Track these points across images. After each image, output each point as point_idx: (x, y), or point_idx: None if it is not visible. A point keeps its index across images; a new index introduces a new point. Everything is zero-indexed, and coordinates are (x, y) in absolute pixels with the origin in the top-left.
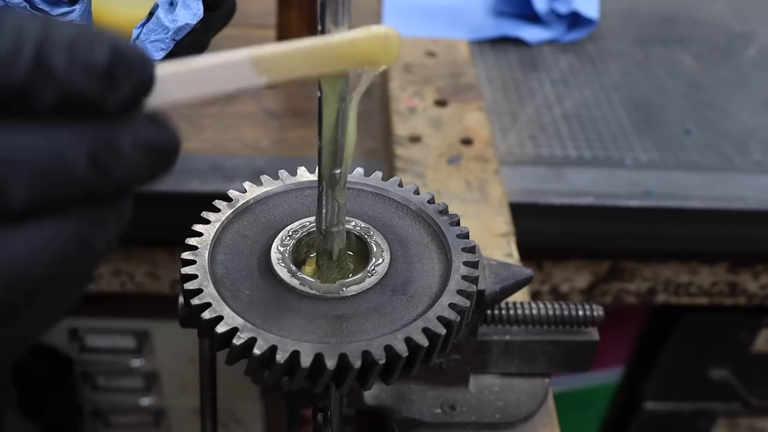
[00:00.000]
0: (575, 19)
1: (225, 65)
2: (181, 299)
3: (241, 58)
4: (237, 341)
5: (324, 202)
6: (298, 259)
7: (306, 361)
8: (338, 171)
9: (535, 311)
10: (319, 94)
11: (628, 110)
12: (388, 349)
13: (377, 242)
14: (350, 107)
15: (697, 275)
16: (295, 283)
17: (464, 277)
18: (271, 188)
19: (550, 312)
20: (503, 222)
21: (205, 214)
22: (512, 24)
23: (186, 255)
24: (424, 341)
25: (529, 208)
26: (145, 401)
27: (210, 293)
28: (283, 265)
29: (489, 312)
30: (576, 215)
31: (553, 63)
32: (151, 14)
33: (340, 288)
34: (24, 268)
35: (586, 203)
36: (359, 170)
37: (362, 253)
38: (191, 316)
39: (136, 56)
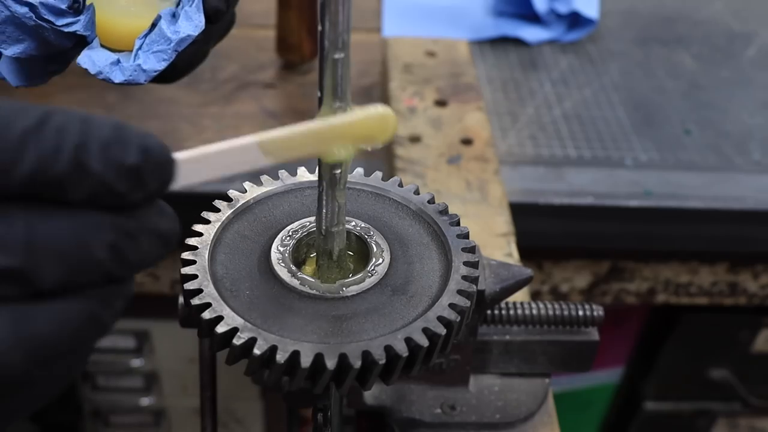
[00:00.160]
0: (575, 19)
1: (235, 150)
2: (181, 299)
3: (249, 144)
4: (237, 341)
5: (324, 202)
6: (298, 259)
7: (306, 361)
8: (338, 171)
9: (535, 311)
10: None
11: (628, 110)
12: (388, 349)
13: (377, 242)
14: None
15: (697, 275)
16: (295, 283)
17: (464, 277)
18: (271, 188)
19: (550, 312)
20: (503, 222)
21: (205, 214)
22: (512, 24)
23: (186, 255)
24: (424, 341)
25: (529, 208)
26: (145, 401)
27: (210, 293)
28: (283, 265)
29: (489, 312)
30: (576, 215)
31: (553, 63)
32: (153, 25)
33: (340, 288)
34: (45, 341)
35: (586, 203)
36: (359, 170)
37: (362, 253)
38: (191, 316)
39: (163, 155)
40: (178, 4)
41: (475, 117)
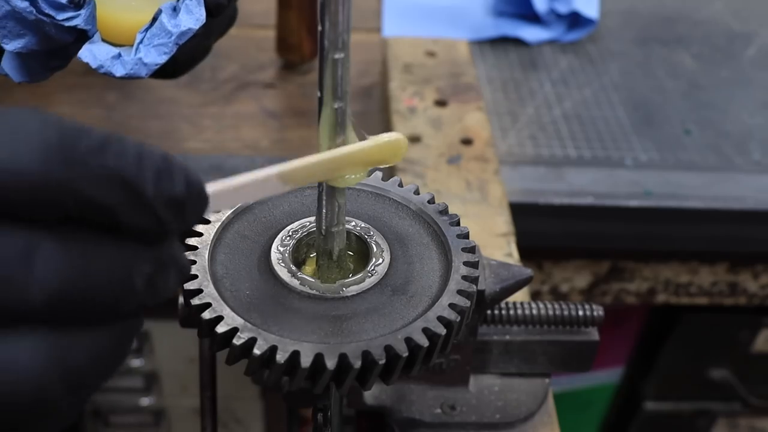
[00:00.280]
0: (575, 19)
1: (257, 182)
2: (181, 299)
3: (270, 175)
4: (237, 341)
5: (324, 202)
6: (298, 259)
7: (306, 361)
8: None
9: (535, 311)
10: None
11: (628, 110)
12: (388, 349)
13: (377, 242)
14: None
15: (697, 275)
16: (295, 283)
17: (464, 277)
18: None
19: (550, 312)
20: (503, 222)
21: (205, 214)
22: (512, 24)
23: (186, 255)
24: (424, 341)
25: (529, 208)
26: (145, 401)
27: (210, 293)
28: (283, 265)
29: (489, 312)
30: (576, 215)
31: (553, 63)
32: (154, 19)
33: (340, 288)
34: (82, 368)
35: (586, 203)
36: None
37: (362, 253)
38: (191, 316)
39: (202, 188)
40: None
41: (475, 117)
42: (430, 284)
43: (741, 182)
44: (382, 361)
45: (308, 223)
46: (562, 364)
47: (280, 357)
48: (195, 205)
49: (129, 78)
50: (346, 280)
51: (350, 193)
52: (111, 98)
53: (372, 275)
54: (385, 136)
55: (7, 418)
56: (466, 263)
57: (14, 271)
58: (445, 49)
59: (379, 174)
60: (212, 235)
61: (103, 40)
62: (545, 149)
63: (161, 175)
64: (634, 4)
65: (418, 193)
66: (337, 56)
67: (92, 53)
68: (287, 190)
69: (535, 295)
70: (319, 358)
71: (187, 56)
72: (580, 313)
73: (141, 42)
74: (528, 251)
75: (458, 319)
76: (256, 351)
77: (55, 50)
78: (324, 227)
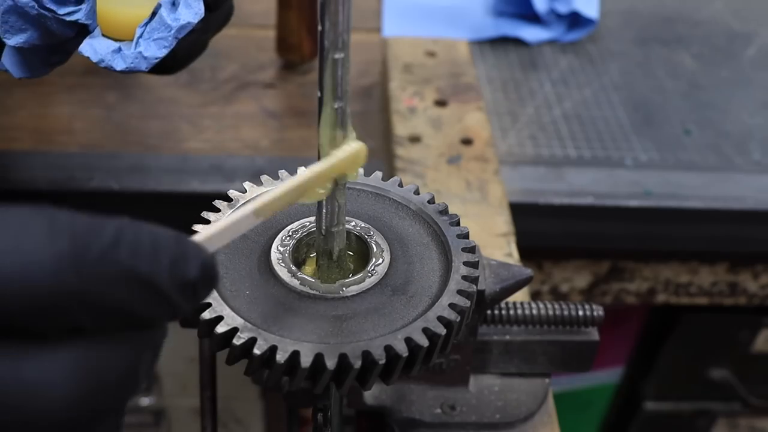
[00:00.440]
0: (575, 19)
1: (236, 222)
2: None
3: (247, 213)
4: (237, 341)
5: (324, 202)
6: (298, 259)
7: (306, 361)
8: None
9: (535, 311)
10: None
11: (628, 110)
12: (388, 349)
13: (377, 242)
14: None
15: (697, 275)
16: (295, 283)
17: (464, 277)
18: (270, 188)
19: (550, 312)
20: (503, 222)
21: (205, 214)
22: (512, 24)
23: None
24: (424, 341)
25: (529, 208)
26: (145, 401)
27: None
28: (283, 265)
29: (489, 312)
30: (576, 215)
31: (553, 63)
32: (154, 14)
33: (340, 288)
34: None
35: (586, 203)
36: (359, 170)
37: (362, 253)
38: (191, 316)
39: (214, 267)
40: None
41: (475, 117)
42: (430, 284)
43: (741, 182)
44: (382, 361)
45: (308, 223)
46: (562, 364)
47: (280, 357)
48: (207, 285)
49: (129, 72)
50: (346, 280)
51: (350, 193)
52: (111, 98)
53: (372, 275)
54: (347, 149)
55: None
56: (466, 263)
57: (23, 389)
58: (445, 49)
59: (379, 174)
60: None
61: (103, 35)
62: (545, 149)
63: (177, 263)
64: (634, 4)
65: (418, 193)
66: (337, 56)
67: (93, 47)
68: (260, 221)
69: (535, 295)
70: (319, 358)
71: (185, 51)
72: (580, 313)
73: (141, 36)
74: (528, 251)
75: (458, 319)
76: (256, 351)
77: (55, 45)
78: (324, 227)
